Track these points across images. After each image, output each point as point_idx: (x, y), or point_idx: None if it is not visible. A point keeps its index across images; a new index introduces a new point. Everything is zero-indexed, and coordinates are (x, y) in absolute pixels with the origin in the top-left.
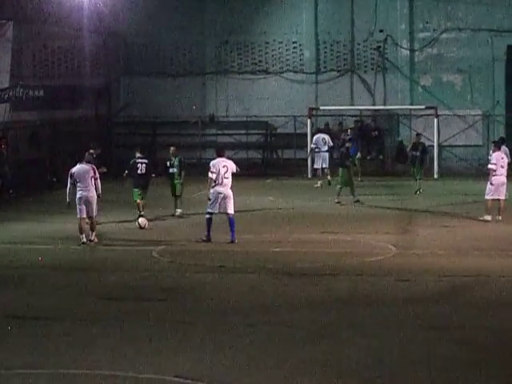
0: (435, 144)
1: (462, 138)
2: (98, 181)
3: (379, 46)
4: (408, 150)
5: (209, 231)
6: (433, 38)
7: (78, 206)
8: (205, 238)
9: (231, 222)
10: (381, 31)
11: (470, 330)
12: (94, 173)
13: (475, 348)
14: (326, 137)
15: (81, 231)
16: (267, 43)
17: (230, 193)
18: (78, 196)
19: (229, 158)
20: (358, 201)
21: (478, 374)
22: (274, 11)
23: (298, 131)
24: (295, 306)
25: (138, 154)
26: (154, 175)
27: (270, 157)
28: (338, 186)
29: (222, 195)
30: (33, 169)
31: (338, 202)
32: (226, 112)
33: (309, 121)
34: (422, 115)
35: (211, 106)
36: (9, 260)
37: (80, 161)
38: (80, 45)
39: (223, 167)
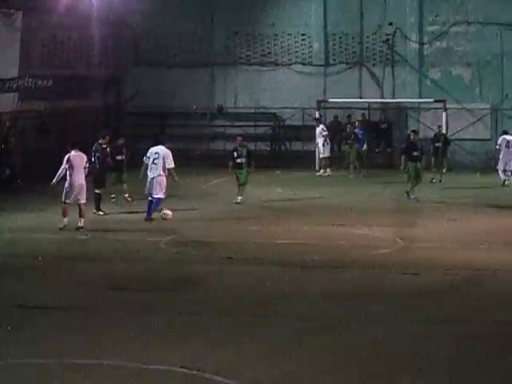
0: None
1: (470, 131)
2: (87, 170)
3: (388, 39)
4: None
5: (149, 212)
6: (442, 31)
7: (65, 190)
8: (147, 218)
9: (153, 203)
10: (390, 24)
11: (477, 323)
12: (86, 162)
13: (483, 342)
14: (320, 127)
15: (64, 215)
16: (276, 35)
17: (159, 178)
18: (69, 182)
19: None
20: (408, 194)
21: (486, 368)
22: (284, 3)
23: (306, 123)
24: (302, 298)
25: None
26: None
27: (278, 149)
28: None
29: (152, 180)
30: (41, 159)
31: (415, 198)
32: (234, 103)
33: (317, 113)
34: (430, 108)
35: (220, 97)
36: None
37: (74, 148)
38: (89, 35)
39: (155, 153)
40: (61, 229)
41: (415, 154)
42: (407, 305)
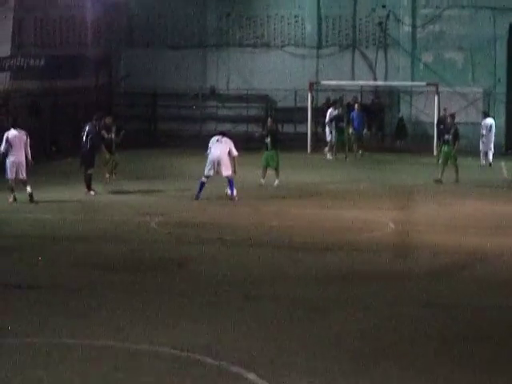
0: (435, 121)
1: (462, 115)
2: (28, 148)
3: (381, 22)
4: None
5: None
6: (435, 14)
7: (9, 168)
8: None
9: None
10: (383, 7)
11: (466, 307)
12: (26, 139)
13: (471, 325)
14: (329, 110)
15: (12, 190)
16: (269, 17)
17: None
18: (11, 159)
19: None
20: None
21: (473, 351)
22: None
23: (298, 105)
24: (292, 280)
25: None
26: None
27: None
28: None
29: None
30: (33, 138)
31: (439, 181)
32: (226, 85)
33: (309, 95)
34: (422, 92)
35: (212, 78)
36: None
37: (14, 126)
38: (82, 14)
39: (216, 140)
40: (11, 203)
41: (446, 137)
42: (397, 288)
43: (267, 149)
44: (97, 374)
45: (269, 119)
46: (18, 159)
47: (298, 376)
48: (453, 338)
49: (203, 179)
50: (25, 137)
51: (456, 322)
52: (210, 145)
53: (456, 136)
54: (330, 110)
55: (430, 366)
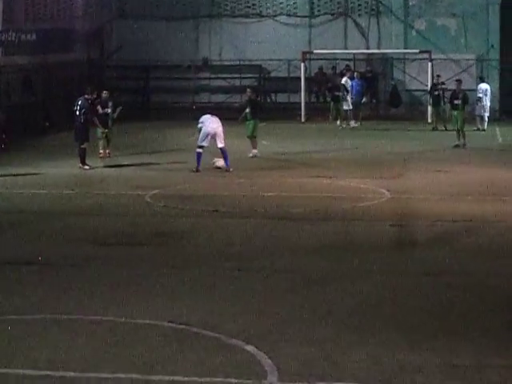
0: (429, 88)
1: (455, 82)
2: None
3: None
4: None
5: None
6: None
7: None
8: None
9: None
10: None
11: (464, 275)
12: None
13: (469, 293)
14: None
15: None
16: None
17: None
18: None
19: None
20: (458, 146)
21: (472, 319)
22: None
23: (291, 75)
24: (288, 251)
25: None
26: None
27: (263, 101)
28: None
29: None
30: (26, 113)
31: (458, 146)
32: (219, 56)
33: (302, 65)
34: (415, 59)
35: (205, 49)
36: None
37: None
38: None
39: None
40: None
41: (455, 102)
42: (394, 257)
43: (247, 119)
44: (95, 349)
45: (248, 89)
46: None
47: (295, 347)
48: (452, 306)
49: (199, 150)
50: None
51: (455, 291)
52: (202, 120)
53: (465, 100)
54: (344, 79)
55: (429, 336)
